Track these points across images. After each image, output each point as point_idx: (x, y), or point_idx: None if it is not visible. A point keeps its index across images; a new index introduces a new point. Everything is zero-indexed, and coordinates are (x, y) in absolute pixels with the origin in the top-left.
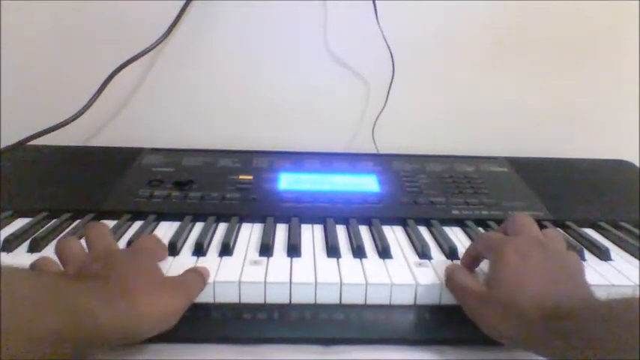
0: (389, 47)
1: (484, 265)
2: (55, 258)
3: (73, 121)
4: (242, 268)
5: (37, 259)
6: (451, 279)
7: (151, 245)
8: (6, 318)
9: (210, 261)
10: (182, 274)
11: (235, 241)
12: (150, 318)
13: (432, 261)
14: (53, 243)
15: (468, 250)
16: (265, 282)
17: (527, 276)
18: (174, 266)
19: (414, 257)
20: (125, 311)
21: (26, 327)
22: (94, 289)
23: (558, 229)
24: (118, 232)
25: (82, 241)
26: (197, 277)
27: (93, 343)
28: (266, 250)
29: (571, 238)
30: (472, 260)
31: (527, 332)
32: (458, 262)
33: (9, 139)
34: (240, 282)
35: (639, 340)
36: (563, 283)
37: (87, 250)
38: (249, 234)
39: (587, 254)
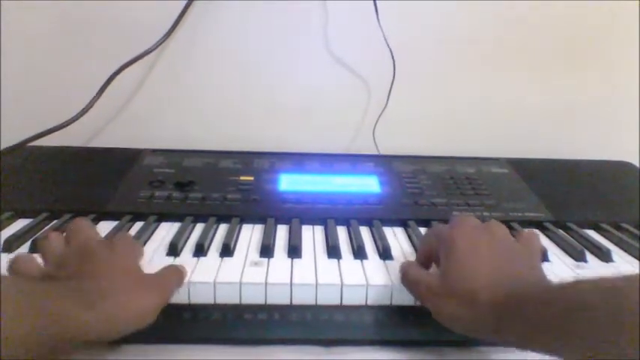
0: (390, 47)
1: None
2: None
3: (74, 121)
4: (243, 269)
5: (16, 257)
6: (406, 275)
7: (127, 242)
8: None
9: (211, 262)
10: (159, 271)
11: (236, 242)
12: (125, 318)
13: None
14: None
15: (421, 247)
16: (266, 283)
17: (479, 262)
18: None
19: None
20: (100, 313)
21: (3, 331)
22: (69, 292)
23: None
24: (119, 233)
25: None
26: (174, 274)
27: (69, 343)
28: (267, 251)
29: (517, 227)
30: (426, 258)
31: (482, 319)
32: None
33: (10, 139)
34: (240, 283)
35: (594, 325)
36: (514, 267)
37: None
38: (250, 235)
39: (589, 255)
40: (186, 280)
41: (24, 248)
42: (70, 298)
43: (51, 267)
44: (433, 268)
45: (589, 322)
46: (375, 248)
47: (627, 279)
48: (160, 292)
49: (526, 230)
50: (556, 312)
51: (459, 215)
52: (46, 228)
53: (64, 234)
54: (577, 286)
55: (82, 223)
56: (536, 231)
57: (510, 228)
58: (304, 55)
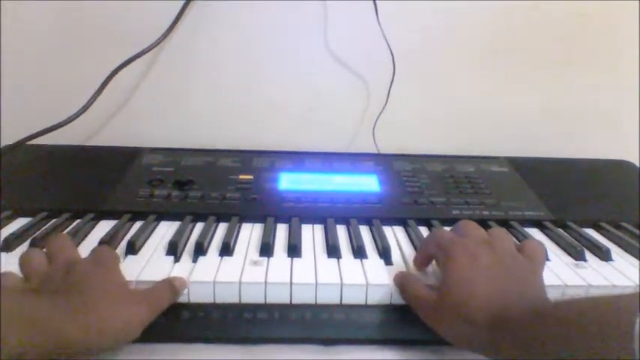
0: (389, 47)
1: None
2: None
3: (73, 120)
4: (242, 268)
5: None
6: (404, 291)
7: (107, 253)
8: None
9: (211, 261)
10: (151, 287)
11: (236, 241)
12: (111, 331)
13: (432, 261)
14: None
15: (420, 250)
16: (266, 282)
17: (477, 280)
18: (175, 267)
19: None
20: (86, 325)
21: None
22: (55, 305)
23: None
24: (118, 232)
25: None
26: (166, 289)
27: (58, 355)
28: (266, 250)
29: (518, 236)
30: (425, 260)
31: (477, 336)
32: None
33: (9, 138)
34: (240, 282)
35: (586, 343)
36: (512, 285)
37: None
38: (250, 234)
39: (588, 254)
40: (185, 290)
41: (23, 247)
42: (52, 311)
43: (33, 283)
44: (432, 267)
45: (583, 341)
46: (374, 247)
47: (622, 297)
48: (146, 307)
49: (531, 241)
50: (548, 334)
51: (463, 222)
52: (45, 227)
53: (44, 250)
54: (571, 305)
55: (64, 241)
56: (540, 242)
57: (510, 227)
58: (304, 55)
